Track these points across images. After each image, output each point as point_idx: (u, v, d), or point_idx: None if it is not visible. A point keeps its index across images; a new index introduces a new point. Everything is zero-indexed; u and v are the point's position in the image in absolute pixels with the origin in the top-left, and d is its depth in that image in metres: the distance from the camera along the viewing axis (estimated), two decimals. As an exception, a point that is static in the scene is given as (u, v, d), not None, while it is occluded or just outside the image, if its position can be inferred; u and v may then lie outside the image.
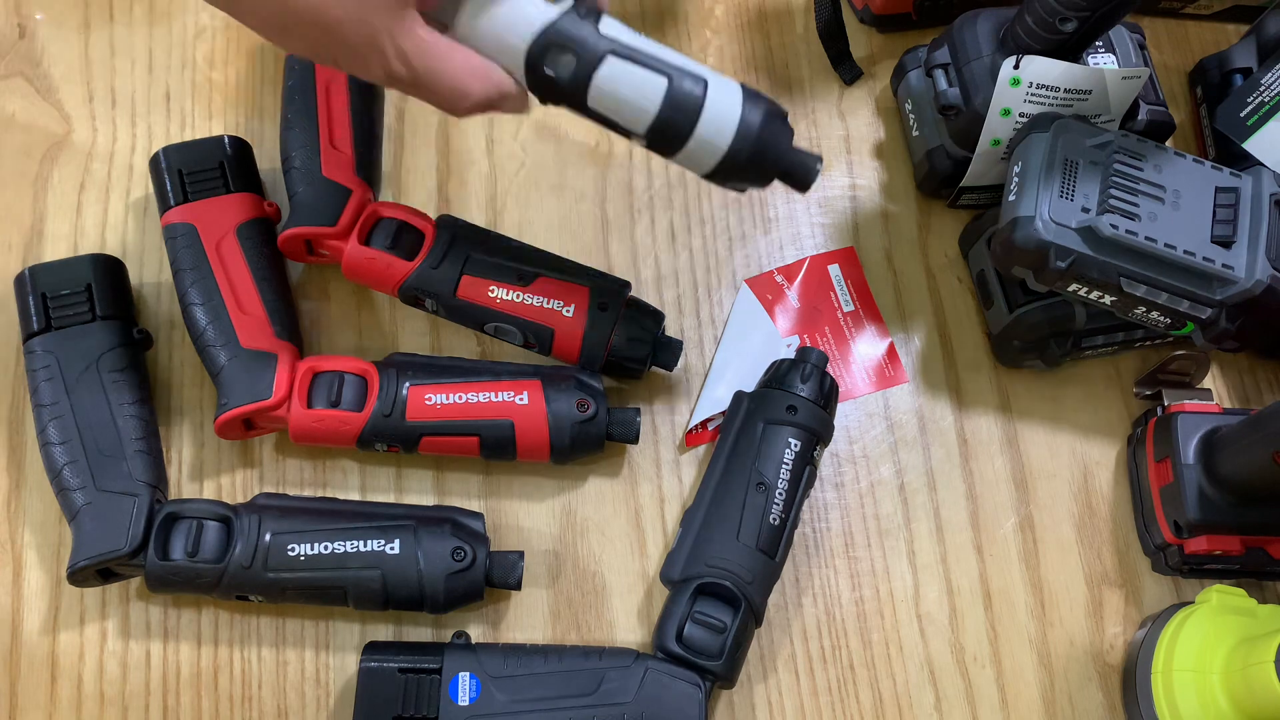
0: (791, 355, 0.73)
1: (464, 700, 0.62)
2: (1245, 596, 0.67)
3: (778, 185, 0.57)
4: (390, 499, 0.71)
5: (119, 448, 0.66)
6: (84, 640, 0.67)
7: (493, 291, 0.69)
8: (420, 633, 0.68)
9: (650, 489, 0.73)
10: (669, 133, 0.56)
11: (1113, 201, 0.66)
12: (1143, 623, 0.71)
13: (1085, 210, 0.66)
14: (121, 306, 0.70)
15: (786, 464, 0.67)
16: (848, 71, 0.84)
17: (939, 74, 0.76)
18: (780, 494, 0.67)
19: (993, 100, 0.71)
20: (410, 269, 0.69)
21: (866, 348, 0.77)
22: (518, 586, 0.66)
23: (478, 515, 0.67)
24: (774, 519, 0.66)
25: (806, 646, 0.70)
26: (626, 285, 0.72)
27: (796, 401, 0.69)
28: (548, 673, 0.63)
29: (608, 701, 0.62)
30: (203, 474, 0.71)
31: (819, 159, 0.58)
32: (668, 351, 0.72)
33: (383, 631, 0.68)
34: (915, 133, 0.79)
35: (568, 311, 0.69)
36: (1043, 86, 0.70)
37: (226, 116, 0.80)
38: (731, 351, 0.76)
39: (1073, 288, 0.68)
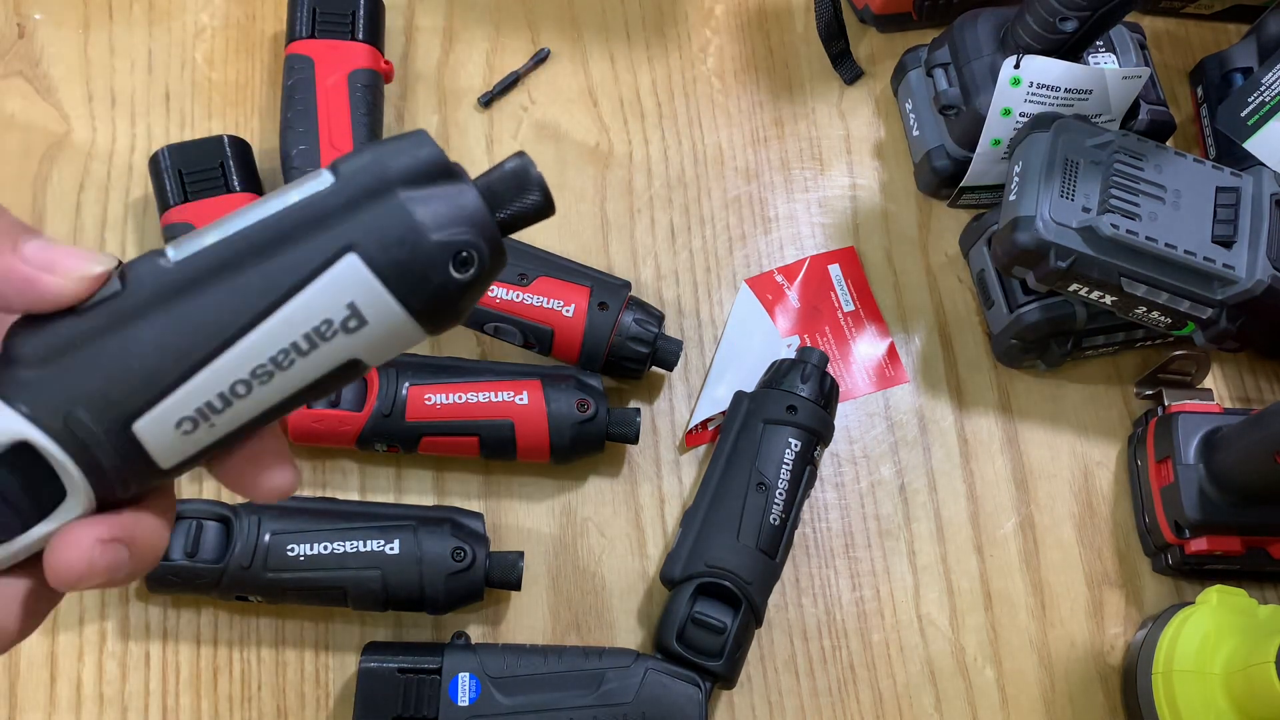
0: (792, 355, 0.73)
1: (464, 700, 0.62)
2: (1246, 597, 0.67)
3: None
4: (390, 499, 0.71)
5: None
6: (83, 641, 0.67)
7: (492, 291, 0.69)
8: (420, 633, 0.68)
9: (650, 489, 0.73)
10: None
11: (1113, 201, 0.66)
12: (1143, 623, 0.71)
13: (1086, 210, 0.66)
14: None
15: (787, 464, 0.67)
16: (848, 71, 0.84)
17: (939, 73, 0.76)
18: (780, 494, 0.67)
19: (993, 100, 0.71)
20: (410, 269, 0.69)
21: (867, 348, 0.77)
22: (517, 587, 0.66)
23: (477, 515, 0.67)
24: (774, 519, 0.66)
25: (807, 647, 0.70)
26: (626, 285, 0.71)
27: (797, 401, 0.69)
28: (548, 673, 0.63)
29: (608, 702, 0.62)
30: (202, 474, 0.71)
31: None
32: (668, 351, 0.71)
33: (382, 632, 0.68)
34: (915, 132, 0.79)
35: (568, 311, 0.69)
36: (1043, 86, 0.70)
37: (226, 116, 0.79)
38: (731, 351, 0.76)
39: (1073, 287, 0.68)
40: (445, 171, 0.31)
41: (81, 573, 0.29)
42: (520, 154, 0.32)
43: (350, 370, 0.31)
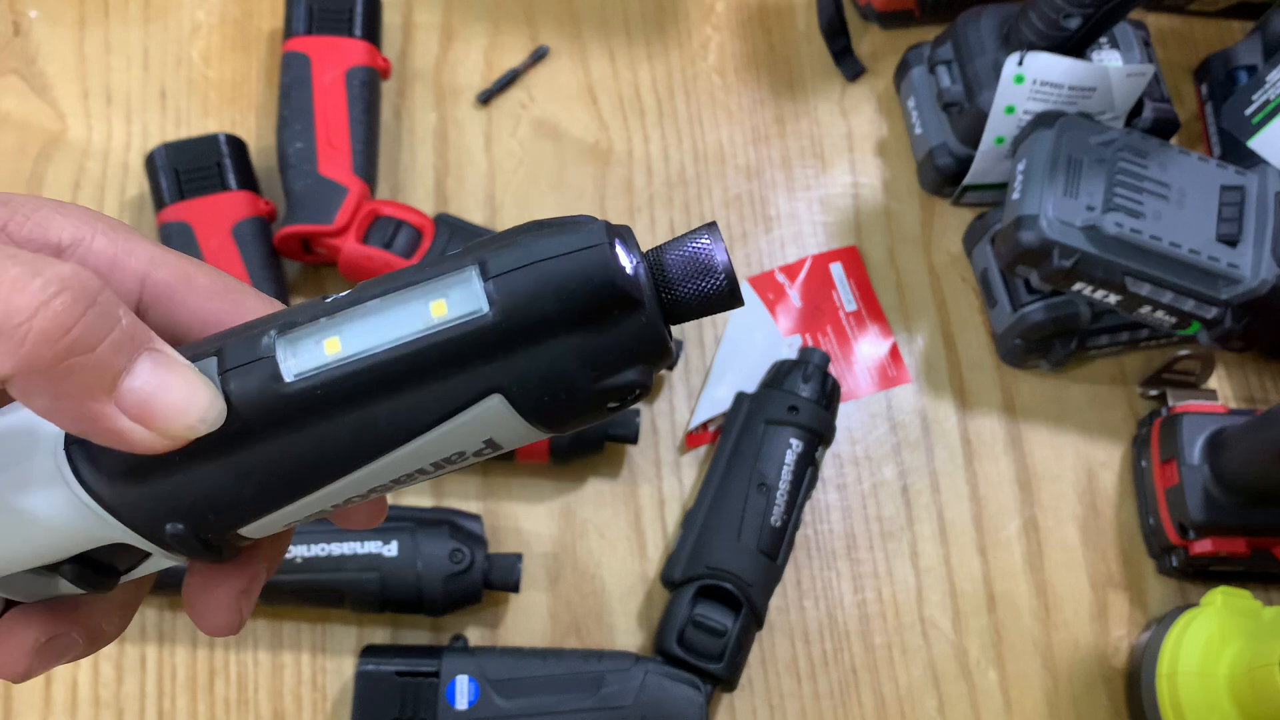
0: (793, 355, 0.72)
1: (462, 704, 0.61)
2: (1250, 598, 0.67)
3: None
4: (388, 500, 0.70)
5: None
6: (78, 643, 0.66)
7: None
8: (418, 636, 0.68)
9: (650, 490, 0.72)
10: None
11: (1117, 199, 0.66)
12: (1147, 625, 0.70)
13: (1090, 208, 0.66)
14: None
15: (788, 465, 0.67)
16: (850, 68, 0.83)
17: (942, 70, 0.76)
18: (782, 495, 0.66)
19: (996, 97, 0.71)
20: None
21: (869, 347, 0.76)
22: (516, 589, 0.65)
23: (476, 517, 0.67)
24: (775, 520, 0.66)
25: (808, 649, 0.70)
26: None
27: (798, 402, 0.68)
28: (546, 676, 0.62)
29: (607, 705, 0.61)
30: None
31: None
32: (668, 351, 0.71)
33: (380, 634, 0.67)
34: (918, 130, 0.79)
35: (567, 311, 0.69)
36: (1047, 83, 0.70)
37: (222, 114, 0.79)
38: (732, 351, 0.75)
39: (1077, 286, 0.68)
40: (620, 298, 0.25)
41: (232, 628, 0.31)
42: (709, 225, 0.26)
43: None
